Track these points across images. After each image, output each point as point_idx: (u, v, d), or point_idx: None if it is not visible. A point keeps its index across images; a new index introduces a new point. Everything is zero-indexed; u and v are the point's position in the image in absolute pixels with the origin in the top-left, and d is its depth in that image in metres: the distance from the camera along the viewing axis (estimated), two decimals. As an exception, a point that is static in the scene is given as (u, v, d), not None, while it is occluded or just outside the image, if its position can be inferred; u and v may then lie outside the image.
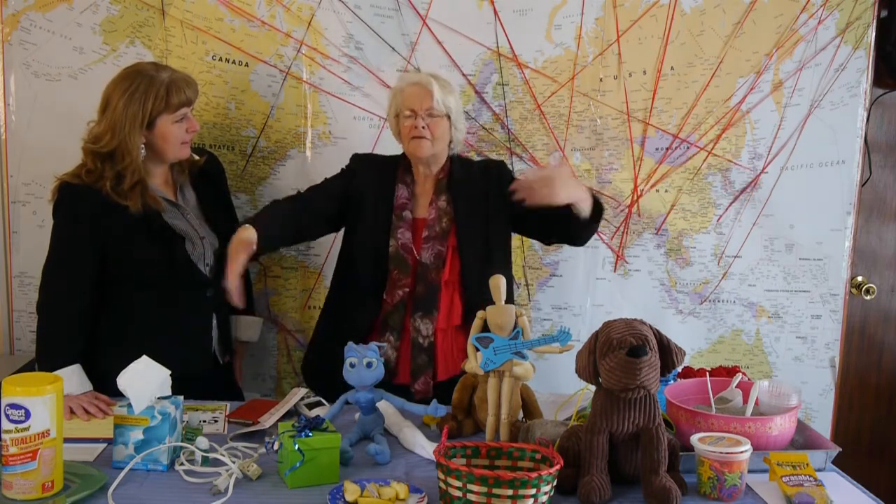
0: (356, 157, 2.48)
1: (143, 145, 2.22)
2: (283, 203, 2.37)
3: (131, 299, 2.26)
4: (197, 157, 2.38)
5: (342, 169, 2.46)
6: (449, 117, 2.33)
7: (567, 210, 2.18)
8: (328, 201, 2.38)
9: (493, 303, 1.96)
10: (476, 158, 2.71)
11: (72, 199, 2.20)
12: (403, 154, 2.42)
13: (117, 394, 1.79)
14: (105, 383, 2.07)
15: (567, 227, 2.28)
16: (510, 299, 2.47)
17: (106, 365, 2.01)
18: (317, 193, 2.40)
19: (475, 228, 2.37)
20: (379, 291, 2.34)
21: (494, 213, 2.39)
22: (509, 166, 2.59)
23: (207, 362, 2.37)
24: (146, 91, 2.18)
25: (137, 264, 2.23)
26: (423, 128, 2.30)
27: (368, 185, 2.40)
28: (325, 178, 2.45)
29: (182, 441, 1.81)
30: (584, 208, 2.20)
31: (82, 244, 2.21)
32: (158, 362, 1.81)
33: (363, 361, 1.90)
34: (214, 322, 2.38)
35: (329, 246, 2.79)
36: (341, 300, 2.44)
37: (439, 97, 2.30)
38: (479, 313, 1.98)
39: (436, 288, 2.33)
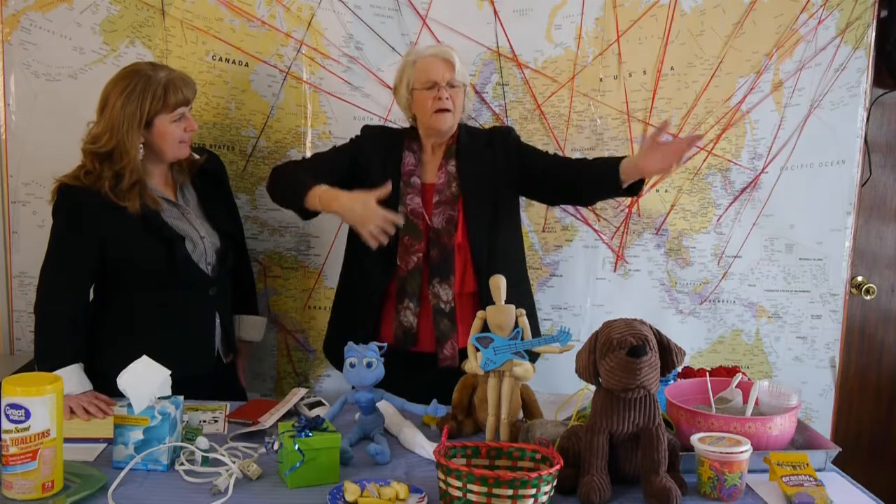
0: (366, 128, 2.50)
1: (141, 145, 2.22)
2: (293, 167, 2.36)
3: (132, 299, 2.26)
4: (197, 157, 2.38)
5: (351, 138, 2.47)
6: (464, 87, 2.36)
7: (614, 178, 2.22)
8: (332, 170, 2.35)
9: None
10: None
11: (71, 200, 2.20)
12: (410, 127, 2.44)
13: (117, 394, 1.79)
14: (105, 383, 2.07)
15: (597, 190, 2.35)
16: (523, 272, 2.50)
17: (106, 365, 2.01)
18: (322, 161, 2.40)
19: (482, 193, 2.38)
20: (391, 258, 2.33)
21: (501, 177, 2.40)
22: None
23: (210, 362, 2.37)
24: (144, 91, 2.18)
25: (137, 265, 2.23)
26: (447, 98, 2.31)
27: (375, 154, 2.40)
28: (334, 146, 2.47)
29: (182, 441, 1.81)
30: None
31: (81, 245, 2.21)
32: (161, 362, 1.81)
33: (363, 361, 1.90)
34: (217, 322, 2.38)
35: (329, 246, 2.80)
36: (355, 272, 2.45)
37: (460, 68, 2.33)
38: (479, 313, 1.98)
39: (450, 252, 2.33)
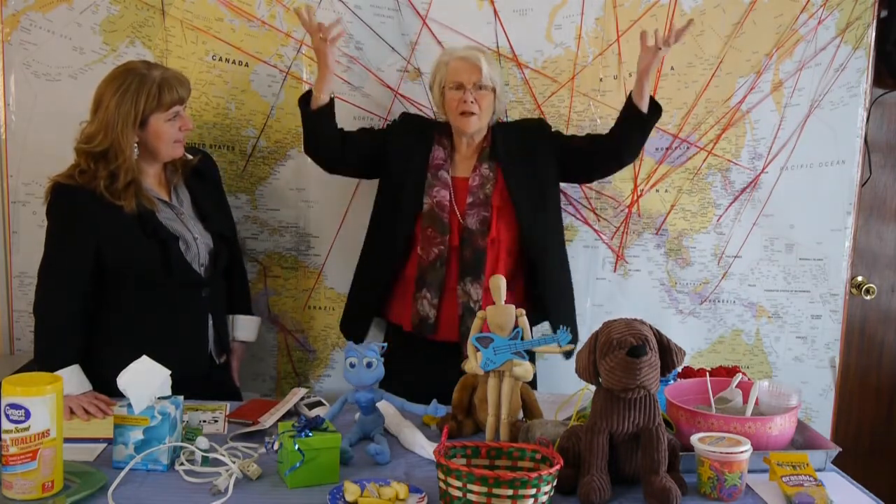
0: (404, 115, 2.59)
1: (136, 144, 2.21)
2: None
3: (127, 299, 2.25)
4: (190, 157, 2.37)
5: (388, 123, 2.57)
6: (494, 90, 2.41)
7: (634, 113, 2.36)
8: (368, 139, 2.50)
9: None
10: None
11: (66, 199, 2.19)
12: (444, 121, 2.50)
13: (117, 394, 1.79)
14: (104, 383, 2.07)
15: (626, 135, 2.42)
16: (565, 268, 2.57)
17: (104, 365, 2.01)
18: (360, 131, 2.55)
19: (526, 186, 2.43)
20: (409, 246, 2.41)
21: (542, 166, 2.47)
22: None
23: (203, 363, 2.36)
24: (138, 90, 2.18)
25: (132, 264, 2.23)
26: (472, 102, 2.36)
27: (403, 143, 2.48)
28: (372, 127, 2.60)
29: (182, 441, 1.81)
30: (646, 101, 2.35)
31: (77, 245, 2.20)
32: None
33: (363, 361, 1.90)
34: (210, 322, 2.38)
35: (329, 246, 2.80)
36: (373, 256, 2.51)
37: (487, 71, 2.38)
38: (479, 313, 1.98)
39: (482, 253, 2.38)
